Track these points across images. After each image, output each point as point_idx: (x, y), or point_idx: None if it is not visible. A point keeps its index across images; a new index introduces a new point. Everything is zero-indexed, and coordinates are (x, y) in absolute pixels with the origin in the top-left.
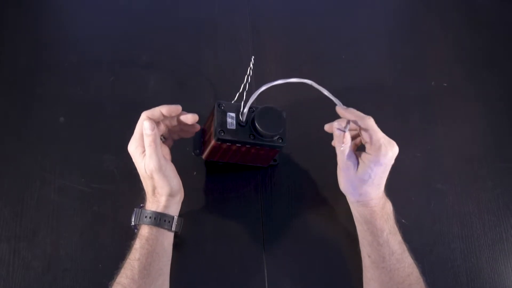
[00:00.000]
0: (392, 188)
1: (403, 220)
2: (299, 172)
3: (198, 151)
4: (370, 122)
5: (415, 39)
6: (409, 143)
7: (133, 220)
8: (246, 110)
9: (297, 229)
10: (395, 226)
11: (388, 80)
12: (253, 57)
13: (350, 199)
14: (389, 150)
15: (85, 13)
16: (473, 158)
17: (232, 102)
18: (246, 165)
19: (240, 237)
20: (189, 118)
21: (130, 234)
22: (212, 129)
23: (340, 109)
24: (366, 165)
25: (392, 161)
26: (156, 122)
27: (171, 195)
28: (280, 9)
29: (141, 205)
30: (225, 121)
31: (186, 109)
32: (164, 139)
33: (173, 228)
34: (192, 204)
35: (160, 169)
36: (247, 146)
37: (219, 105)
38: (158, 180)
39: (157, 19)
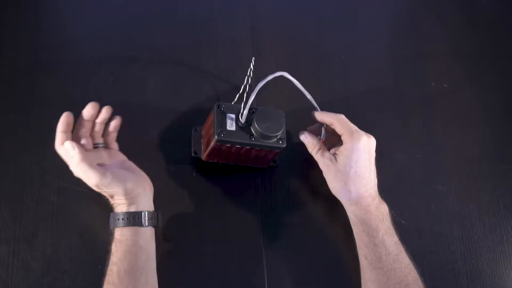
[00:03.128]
0: (392, 190)
1: (402, 222)
2: (298, 173)
3: (197, 152)
4: (342, 116)
5: (415, 39)
6: (409, 144)
7: (109, 225)
8: (246, 111)
9: (297, 230)
10: (391, 227)
11: (388, 81)
12: (253, 58)
13: (343, 199)
14: (363, 136)
15: (85, 13)
16: (473, 159)
17: (232, 103)
18: (245, 166)
19: (240, 238)
20: (87, 112)
21: None
22: (212, 130)
23: (318, 114)
24: (344, 154)
25: (372, 152)
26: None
27: (127, 193)
28: (280, 9)
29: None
30: (225, 122)
31: (186, 110)
32: (103, 145)
33: (145, 223)
34: (192, 205)
35: (102, 181)
36: (246, 147)
37: (218, 106)
38: (107, 191)
39: (157, 19)
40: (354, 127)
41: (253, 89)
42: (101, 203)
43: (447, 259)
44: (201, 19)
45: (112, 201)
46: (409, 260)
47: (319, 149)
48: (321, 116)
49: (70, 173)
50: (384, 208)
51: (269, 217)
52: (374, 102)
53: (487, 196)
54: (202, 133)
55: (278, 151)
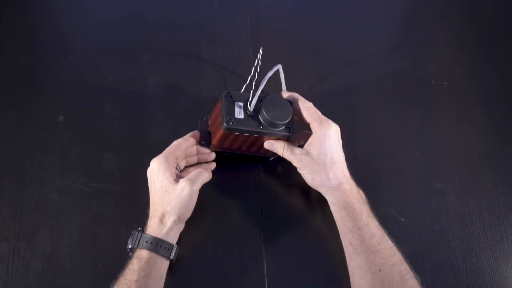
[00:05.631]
0: (392, 187)
1: (402, 219)
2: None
3: (203, 142)
4: (310, 105)
5: (415, 37)
6: (409, 142)
7: (130, 243)
8: (255, 99)
9: (297, 228)
10: (371, 211)
11: (388, 79)
12: (261, 48)
13: (324, 189)
14: (331, 123)
15: (85, 13)
16: (474, 157)
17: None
18: (246, 163)
19: (240, 236)
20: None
21: (130, 234)
22: (220, 118)
23: (285, 93)
24: (317, 144)
25: (340, 139)
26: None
27: (181, 220)
28: (280, 8)
29: (139, 228)
30: (233, 110)
31: (186, 110)
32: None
33: (171, 257)
34: None
35: (196, 194)
36: (254, 135)
37: (227, 94)
38: (190, 205)
39: (157, 18)
40: (322, 116)
41: (260, 80)
42: (101, 202)
43: (447, 256)
44: (201, 18)
45: (156, 218)
46: (392, 243)
47: (288, 147)
48: (290, 96)
49: (70, 171)
50: (362, 193)
51: (270, 214)
52: (374, 99)
53: (487, 193)
54: (209, 122)
55: (286, 139)
